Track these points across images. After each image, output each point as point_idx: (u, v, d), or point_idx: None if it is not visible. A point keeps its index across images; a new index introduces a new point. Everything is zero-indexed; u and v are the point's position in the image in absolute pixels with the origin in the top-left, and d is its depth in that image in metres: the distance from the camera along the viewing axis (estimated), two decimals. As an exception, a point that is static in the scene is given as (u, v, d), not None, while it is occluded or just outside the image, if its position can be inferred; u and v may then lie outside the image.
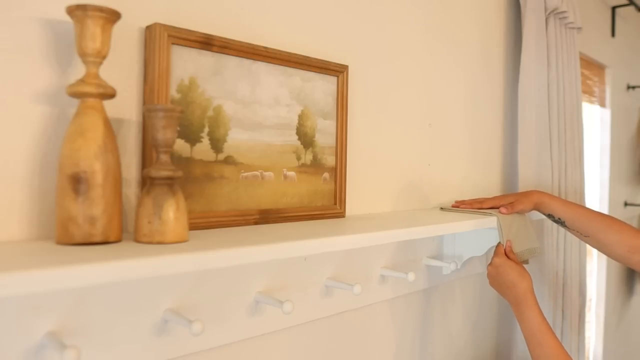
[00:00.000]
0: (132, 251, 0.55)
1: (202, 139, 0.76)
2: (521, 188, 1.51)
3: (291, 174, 0.88)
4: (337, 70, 0.95)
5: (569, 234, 1.62)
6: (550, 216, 1.17)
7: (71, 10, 0.59)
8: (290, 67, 0.87)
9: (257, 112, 0.83)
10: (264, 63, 0.83)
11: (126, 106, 0.70)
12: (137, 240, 0.61)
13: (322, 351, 0.97)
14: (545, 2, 1.53)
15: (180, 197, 0.63)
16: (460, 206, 1.19)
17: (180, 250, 0.56)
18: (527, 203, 1.15)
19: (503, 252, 1.08)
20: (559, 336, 1.56)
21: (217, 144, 0.77)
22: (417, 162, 1.22)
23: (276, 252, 0.65)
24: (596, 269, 2.50)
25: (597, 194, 2.52)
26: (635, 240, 1.08)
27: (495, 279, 1.08)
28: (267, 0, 0.88)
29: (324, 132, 0.94)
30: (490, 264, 1.09)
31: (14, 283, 0.44)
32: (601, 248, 1.13)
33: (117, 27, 0.66)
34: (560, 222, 1.15)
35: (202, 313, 0.75)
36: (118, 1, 0.68)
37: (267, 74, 0.84)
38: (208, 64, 0.76)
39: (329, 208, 0.94)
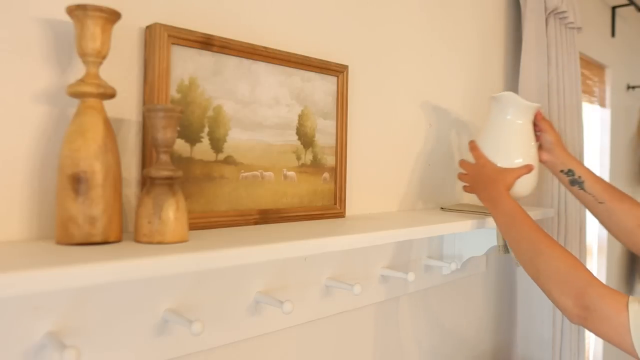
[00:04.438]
0: (132, 251, 0.55)
1: (202, 139, 0.76)
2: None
3: (291, 174, 0.88)
4: (337, 70, 0.95)
5: (569, 233, 1.62)
6: (569, 173, 1.13)
7: (71, 10, 0.59)
8: (290, 67, 0.87)
9: (257, 112, 0.83)
10: (264, 63, 0.83)
11: (126, 106, 0.70)
12: (137, 240, 0.61)
13: (322, 351, 0.97)
14: (545, 2, 1.53)
15: (180, 197, 0.63)
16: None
17: (180, 250, 0.56)
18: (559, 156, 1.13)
19: (481, 151, 1.08)
20: (559, 336, 1.56)
21: (217, 144, 0.77)
22: (417, 162, 1.22)
23: (276, 252, 0.65)
24: (596, 268, 2.49)
25: (597, 194, 2.52)
26: None
27: (479, 174, 1.05)
28: (267, 0, 0.88)
29: (324, 132, 0.94)
30: (467, 175, 1.08)
31: (14, 283, 0.44)
32: (611, 217, 1.09)
33: (117, 27, 0.66)
34: (579, 182, 1.11)
35: (202, 313, 0.75)
36: (118, 1, 0.68)
37: (267, 74, 0.84)
38: (208, 64, 0.76)
39: (329, 208, 0.94)
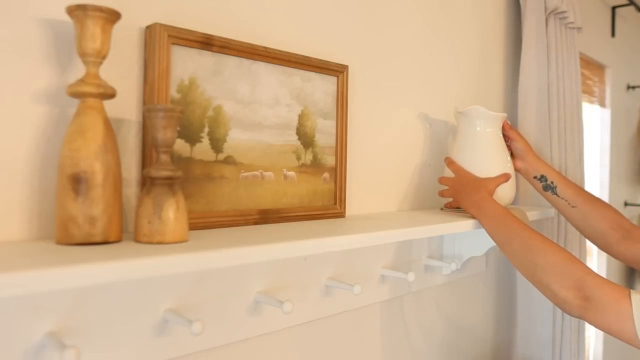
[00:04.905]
0: (132, 251, 0.55)
1: (202, 139, 0.76)
2: (521, 187, 1.51)
3: (291, 174, 0.88)
4: (337, 70, 0.95)
5: (569, 233, 1.62)
6: (542, 179, 1.16)
7: (71, 10, 0.59)
8: (290, 67, 0.87)
9: (257, 112, 0.83)
10: (264, 63, 0.83)
11: (126, 106, 0.70)
12: (137, 240, 0.61)
13: (322, 351, 0.97)
14: (545, 2, 1.53)
15: (180, 197, 0.63)
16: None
17: (180, 250, 0.56)
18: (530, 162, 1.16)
19: (458, 164, 1.09)
20: (559, 336, 1.56)
21: (217, 144, 0.77)
22: (417, 162, 1.22)
23: (276, 252, 0.65)
24: (596, 268, 2.49)
25: (597, 194, 2.52)
26: (618, 217, 1.09)
27: (460, 184, 1.06)
28: (268, 0, 0.88)
29: (324, 132, 0.94)
30: (449, 189, 1.09)
31: (14, 283, 0.44)
32: (584, 220, 1.11)
33: (117, 27, 0.66)
34: (552, 187, 1.14)
35: (202, 313, 0.75)
36: (118, 1, 0.68)
37: (267, 74, 0.84)
38: (208, 64, 0.76)
39: (329, 208, 0.94)
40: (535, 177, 1.17)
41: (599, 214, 1.10)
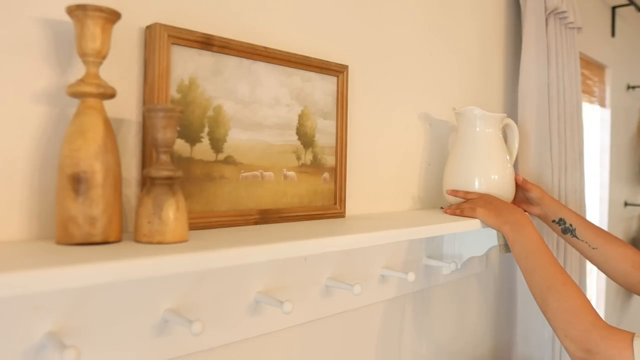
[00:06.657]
0: (132, 251, 0.55)
1: (202, 139, 0.76)
2: (521, 188, 1.50)
3: (291, 174, 0.88)
4: (337, 70, 0.95)
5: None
6: (560, 222, 1.15)
7: (71, 10, 0.59)
8: (290, 67, 0.87)
9: (257, 112, 0.83)
10: (264, 63, 0.83)
11: (126, 106, 0.70)
12: (137, 240, 0.61)
13: (322, 351, 0.97)
14: (545, 2, 1.53)
15: (180, 197, 0.63)
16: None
17: (180, 250, 0.56)
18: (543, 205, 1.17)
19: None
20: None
21: (217, 144, 0.77)
22: (417, 162, 1.22)
23: (276, 252, 0.65)
24: (596, 268, 2.48)
25: (597, 194, 2.52)
26: (638, 256, 1.08)
27: (490, 203, 1.03)
28: (268, 0, 0.88)
29: (324, 132, 0.94)
30: (476, 199, 1.06)
31: (14, 283, 0.44)
32: (606, 262, 1.11)
33: (117, 27, 0.66)
34: (571, 229, 1.14)
35: (202, 313, 0.75)
36: (118, 1, 0.68)
37: (267, 74, 0.84)
38: (208, 64, 0.76)
39: (329, 208, 0.94)
40: (554, 221, 1.17)
41: (619, 254, 1.09)
